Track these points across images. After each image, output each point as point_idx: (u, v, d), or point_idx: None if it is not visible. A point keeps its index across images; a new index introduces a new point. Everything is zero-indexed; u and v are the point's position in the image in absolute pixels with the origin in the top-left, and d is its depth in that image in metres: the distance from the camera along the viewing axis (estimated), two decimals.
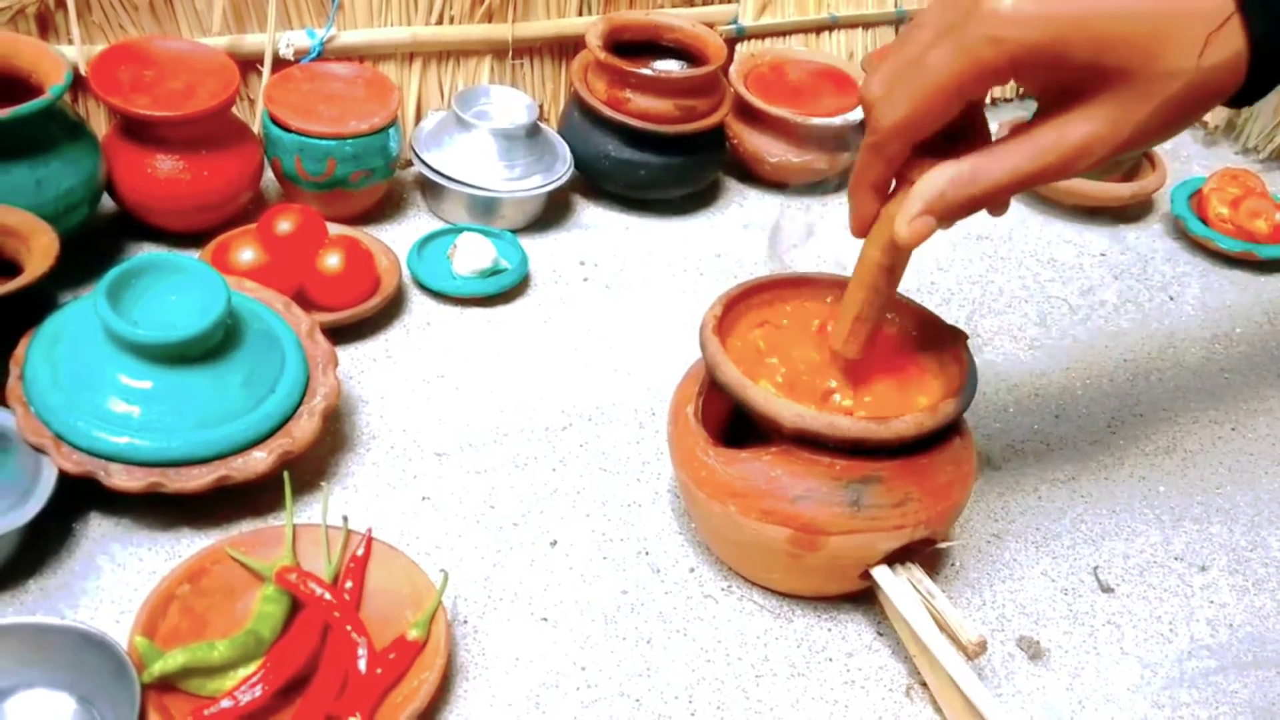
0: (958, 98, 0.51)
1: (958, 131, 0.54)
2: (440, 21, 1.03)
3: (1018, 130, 0.53)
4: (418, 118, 1.04)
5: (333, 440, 0.75)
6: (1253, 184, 1.08)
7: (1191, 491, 0.80)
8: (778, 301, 0.70)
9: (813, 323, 0.68)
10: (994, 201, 0.55)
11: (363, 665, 0.58)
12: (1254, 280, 1.05)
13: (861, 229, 0.59)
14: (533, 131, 0.97)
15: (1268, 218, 1.05)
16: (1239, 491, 0.81)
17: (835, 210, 1.08)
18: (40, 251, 0.71)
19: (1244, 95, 0.51)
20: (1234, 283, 1.05)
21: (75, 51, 0.89)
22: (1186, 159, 1.25)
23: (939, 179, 0.53)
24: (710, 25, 1.08)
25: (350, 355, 0.82)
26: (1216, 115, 1.28)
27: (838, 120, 1.05)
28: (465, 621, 0.65)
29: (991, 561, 0.73)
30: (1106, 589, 0.72)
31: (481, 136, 0.95)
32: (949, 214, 0.54)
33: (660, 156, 0.99)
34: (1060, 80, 0.51)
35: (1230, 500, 0.80)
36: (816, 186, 1.09)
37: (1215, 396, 0.90)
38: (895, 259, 0.59)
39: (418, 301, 0.89)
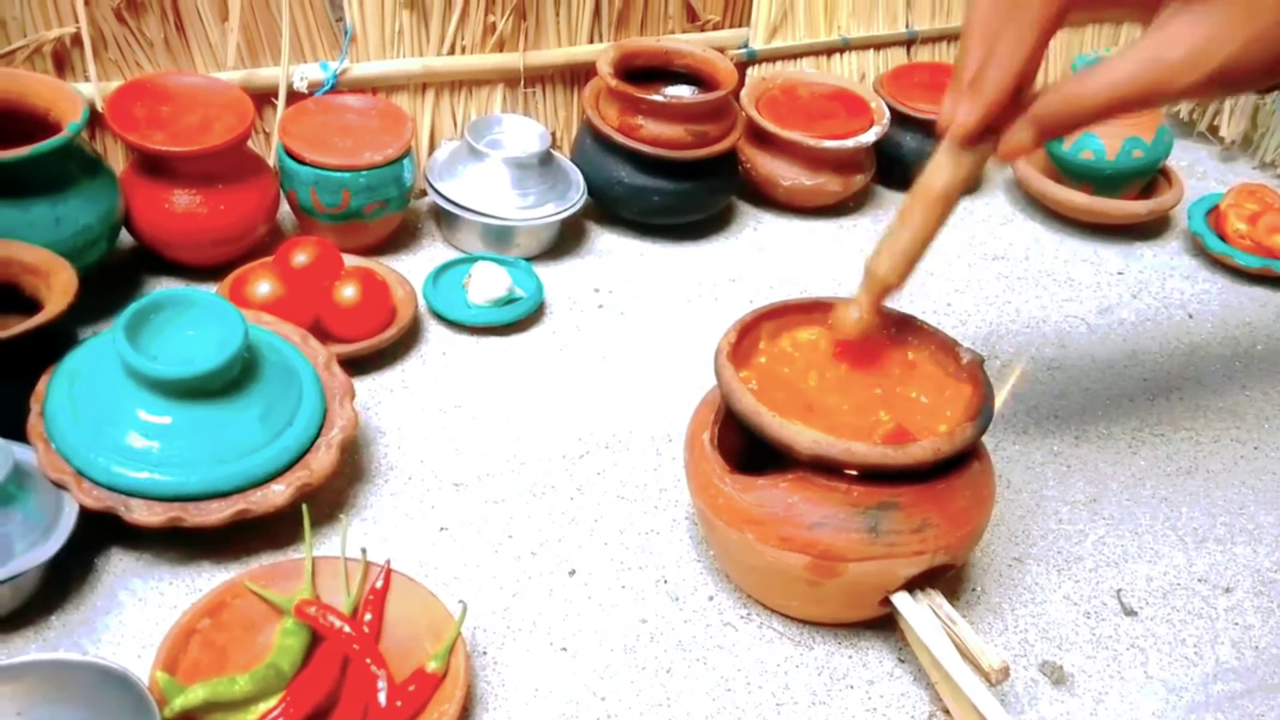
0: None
1: None
2: (452, 51, 1.03)
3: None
4: (431, 148, 1.05)
5: (351, 472, 0.75)
6: (1270, 199, 1.08)
7: (1215, 512, 0.80)
8: (793, 327, 0.70)
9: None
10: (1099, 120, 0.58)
11: (382, 698, 0.58)
12: (1274, 296, 1.05)
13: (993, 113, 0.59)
14: (546, 159, 0.98)
15: None
16: (1262, 511, 0.80)
17: (851, 234, 1.08)
18: (60, 288, 0.71)
19: None
20: (1253, 299, 1.04)
21: (92, 88, 0.91)
22: (1203, 175, 1.24)
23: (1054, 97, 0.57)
24: (721, 50, 1.08)
25: (367, 386, 0.83)
26: (1232, 130, 1.27)
27: (850, 142, 1.05)
28: (484, 652, 0.65)
29: (1013, 586, 0.72)
30: (1130, 612, 0.71)
31: (495, 165, 0.96)
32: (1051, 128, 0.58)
33: (673, 182, 0.99)
34: None
35: (1254, 520, 0.79)
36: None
37: (1237, 415, 0.89)
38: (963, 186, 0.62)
39: (434, 331, 0.90)
